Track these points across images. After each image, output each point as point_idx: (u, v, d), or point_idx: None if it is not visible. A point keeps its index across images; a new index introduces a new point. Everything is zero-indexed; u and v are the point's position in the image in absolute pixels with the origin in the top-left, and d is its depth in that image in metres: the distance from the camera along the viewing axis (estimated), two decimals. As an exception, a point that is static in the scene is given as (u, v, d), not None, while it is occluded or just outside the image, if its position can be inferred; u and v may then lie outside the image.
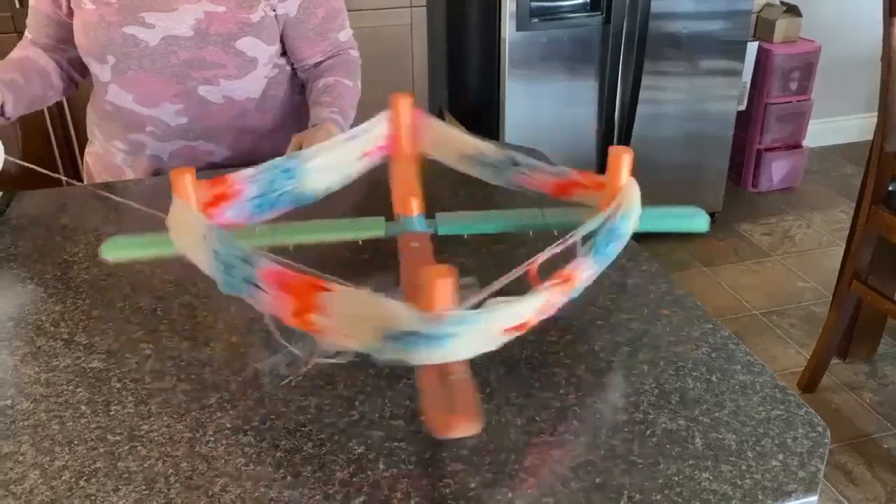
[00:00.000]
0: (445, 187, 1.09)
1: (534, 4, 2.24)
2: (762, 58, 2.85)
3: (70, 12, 1.21)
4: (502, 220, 0.88)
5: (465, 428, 0.57)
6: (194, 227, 0.68)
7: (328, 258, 0.91)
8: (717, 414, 0.70)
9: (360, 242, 0.90)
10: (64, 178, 0.98)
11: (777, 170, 3.04)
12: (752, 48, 2.78)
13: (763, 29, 2.90)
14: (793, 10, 2.90)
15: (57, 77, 1.25)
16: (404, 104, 0.86)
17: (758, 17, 2.89)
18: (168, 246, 0.72)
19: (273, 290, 0.60)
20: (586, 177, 0.80)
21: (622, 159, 0.74)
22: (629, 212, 0.73)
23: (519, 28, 2.24)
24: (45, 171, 0.97)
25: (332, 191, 0.84)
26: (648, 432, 0.68)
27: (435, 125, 0.87)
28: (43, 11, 1.24)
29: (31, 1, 1.25)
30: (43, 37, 1.24)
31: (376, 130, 0.85)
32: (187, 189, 0.73)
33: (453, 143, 0.86)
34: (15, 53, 1.24)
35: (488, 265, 0.93)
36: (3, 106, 1.13)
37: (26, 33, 1.27)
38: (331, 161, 0.82)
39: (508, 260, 0.87)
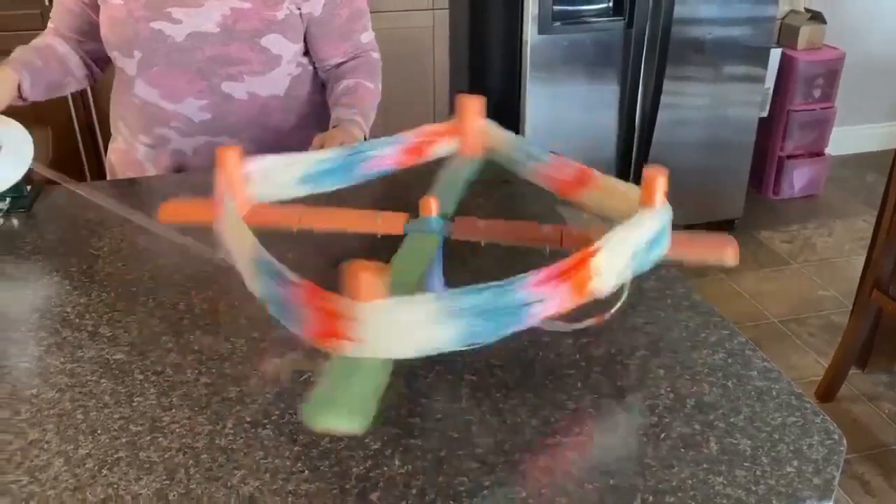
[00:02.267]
0: (486, 190, 1.09)
1: (556, 8, 2.24)
2: (785, 64, 2.83)
3: (94, 6, 1.23)
4: (461, 179, 0.89)
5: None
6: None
7: (345, 249, 0.91)
8: (732, 419, 0.70)
9: (379, 236, 0.90)
10: (82, 190, 1.00)
11: (798, 177, 3.02)
12: (776, 55, 2.77)
13: (787, 35, 2.88)
14: (817, 17, 2.88)
15: (76, 66, 1.28)
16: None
17: (781, 23, 2.88)
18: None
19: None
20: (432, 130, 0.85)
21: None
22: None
23: (541, 31, 2.24)
24: (67, 180, 0.99)
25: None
26: (663, 436, 0.68)
27: (259, 167, 0.86)
28: (67, 7, 1.26)
29: None
30: (65, 28, 1.27)
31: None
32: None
33: (283, 174, 0.86)
34: (36, 41, 1.27)
35: (500, 271, 0.93)
36: (20, 85, 1.15)
37: (49, 23, 1.29)
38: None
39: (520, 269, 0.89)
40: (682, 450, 0.66)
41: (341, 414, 0.56)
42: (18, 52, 1.21)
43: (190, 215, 0.86)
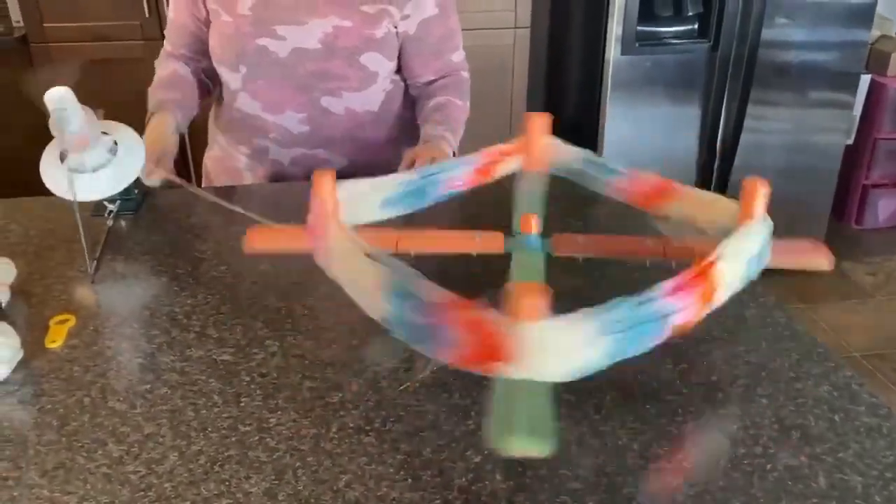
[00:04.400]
0: (565, 207, 1.10)
1: (640, 29, 2.23)
2: (874, 91, 2.75)
3: (208, 23, 1.29)
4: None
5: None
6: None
7: (440, 271, 0.93)
8: (840, 454, 0.68)
9: (475, 255, 0.91)
10: (198, 191, 1.04)
11: (884, 207, 2.92)
12: (865, 81, 2.69)
13: (876, 61, 2.80)
14: (910, 43, 2.79)
15: (197, 87, 1.33)
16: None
17: (871, 48, 2.80)
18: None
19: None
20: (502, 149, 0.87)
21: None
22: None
23: (624, 52, 2.24)
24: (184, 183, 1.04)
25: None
26: (769, 467, 0.67)
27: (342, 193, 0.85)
28: (182, 23, 1.31)
29: (171, 14, 1.33)
30: (181, 48, 1.32)
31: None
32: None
33: (364, 199, 0.87)
34: (163, 71, 1.32)
35: (601, 288, 0.93)
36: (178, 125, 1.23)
37: (165, 44, 1.35)
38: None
39: (621, 284, 0.88)
40: (790, 482, 0.65)
41: (527, 438, 0.57)
42: (159, 93, 1.27)
43: (278, 243, 0.87)
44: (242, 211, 0.96)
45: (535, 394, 0.58)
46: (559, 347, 0.58)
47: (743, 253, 0.69)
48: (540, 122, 0.93)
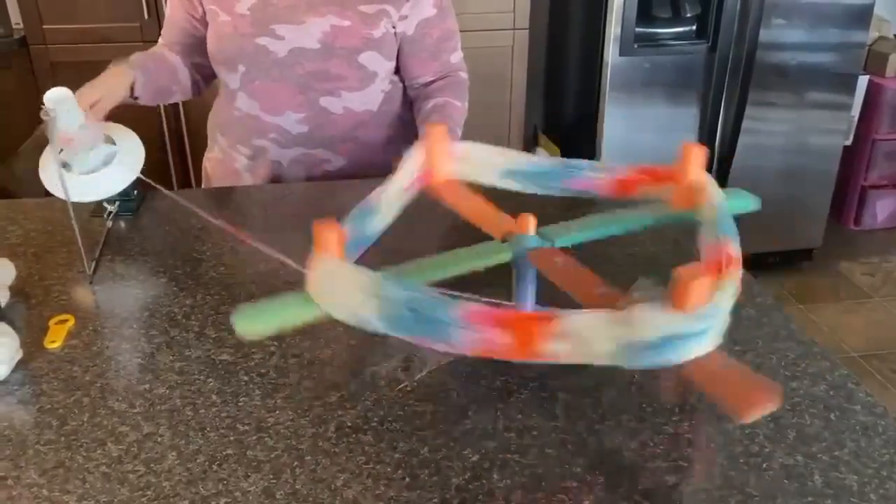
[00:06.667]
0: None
1: (638, 30, 2.24)
2: (872, 92, 2.75)
3: (203, 22, 1.29)
4: (612, 225, 0.84)
5: (770, 405, 0.57)
6: (355, 282, 0.65)
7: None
8: (836, 453, 0.69)
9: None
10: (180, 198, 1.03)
11: (882, 208, 2.92)
12: (863, 82, 2.70)
13: (874, 62, 2.80)
14: (908, 44, 2.80)
15: (184, 76, 1.33)
16: (436, 133, 0.85)
17: (869, 50, 2.80)
18: (307, 308, 0.69)
19: (485, 330, 0.58)
20: (650, 170, 0.82)
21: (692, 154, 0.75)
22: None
23: (622, 53, 2.24)
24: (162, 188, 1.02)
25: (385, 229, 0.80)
26: (765, 466, 0.67)
27: (467, 149, 0.86)
28: (177, 21, 1.32)
29: (168, 11, 1.33)
30: (175, 44, 1.33)
31: (412, 163, 0.85)
32: (332, 246, 0.69)
33: (489, 161, 0.86)
34: (150, 49, 1.33)
35: (609, 270, 0.92)
36: (133, 85, 1.19)
37: (160, 39, 1.36)
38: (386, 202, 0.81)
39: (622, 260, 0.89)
40: (786, 481, 0.65)
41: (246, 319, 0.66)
42: (135, 56, 1.26)
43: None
44: (278, 256, 0.83)
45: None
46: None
47: (612, 333, 0.58)
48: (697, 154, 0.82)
